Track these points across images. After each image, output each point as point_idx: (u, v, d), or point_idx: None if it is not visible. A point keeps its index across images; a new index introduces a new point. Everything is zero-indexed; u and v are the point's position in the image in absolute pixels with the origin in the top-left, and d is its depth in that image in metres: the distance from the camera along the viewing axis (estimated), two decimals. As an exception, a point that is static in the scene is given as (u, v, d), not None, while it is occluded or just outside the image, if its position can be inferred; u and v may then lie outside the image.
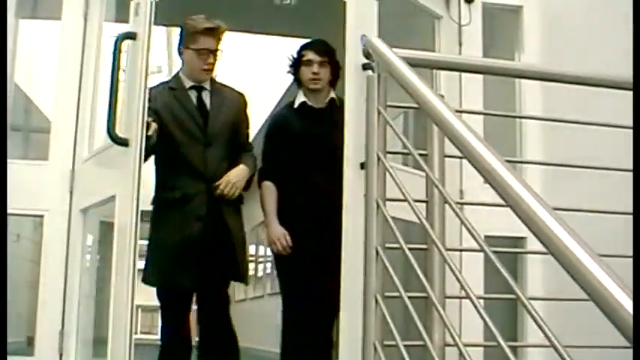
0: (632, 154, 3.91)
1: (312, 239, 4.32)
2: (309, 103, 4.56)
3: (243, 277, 4.33)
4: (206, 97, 4.26)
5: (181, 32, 4.25)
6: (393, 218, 3.00)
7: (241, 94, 4.42)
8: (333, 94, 4.58)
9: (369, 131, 3.04)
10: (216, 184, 4.07)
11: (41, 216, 4.65)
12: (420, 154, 2.94)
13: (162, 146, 3.96)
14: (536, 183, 4.98)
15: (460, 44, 5.40)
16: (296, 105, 4.60)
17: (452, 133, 2.37)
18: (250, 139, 4.61)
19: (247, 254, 4.46)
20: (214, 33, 4.13)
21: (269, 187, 4.48)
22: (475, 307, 2.17)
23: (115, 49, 4.27)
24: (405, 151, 2.96)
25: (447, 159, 3.12)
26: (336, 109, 4.36)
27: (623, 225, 3.62)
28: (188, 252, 4.03)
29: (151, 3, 3.75)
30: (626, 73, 4.25)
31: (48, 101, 5.38)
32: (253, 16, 6.63)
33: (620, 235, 3.73)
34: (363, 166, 3.77)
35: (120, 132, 3.74)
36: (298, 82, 4.64)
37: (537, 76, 3.89)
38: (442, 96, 2.84)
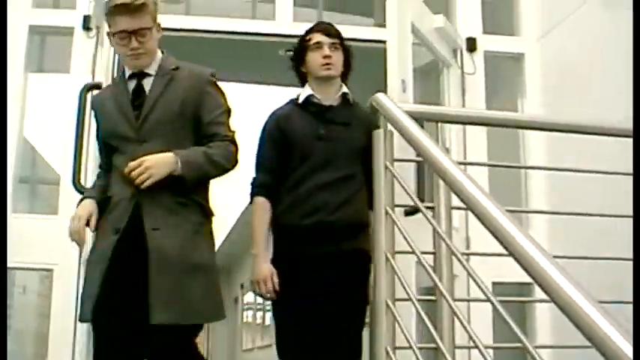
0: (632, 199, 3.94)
1: (318, 277, 3.35)
2: (317, 98, 3.67)
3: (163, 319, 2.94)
4: (147, 84, 3.30)
5: None
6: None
7: (204, 69, 3.39)
8: (345, 89, 3.72)
9: (376, 186, 3.08)
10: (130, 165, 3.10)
11: (50, 270, 4.69)
12: (427, 207, 2.99)
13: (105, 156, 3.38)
14: (540, 229, 5.04)
15: (464, 92, 5.49)
16: (301, 99, 3.70)
17: (456, 187, 2.42)
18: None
19: (196, 288, 3.05)
20: (130, 10, 3.20)
21: (261, 204, 3.54)
22: (484, 357, 2.20)
23: (80, 100, 4.39)
24: (412, 204, 3.00)
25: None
26: (349, 107, 3.67)
27: (624, 271, 3.65)
28: (96, 274, 3.06)
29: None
30: (627, 114, 4.32)
31: (56, 154, 5.45)
32: (261, 68, 6.71)
33: (624, 281, 3.75)
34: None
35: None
36: (302, 78, 3.79)
37: (540, 127, 3.94)
38: (447, 149, 2.88)
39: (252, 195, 3.58)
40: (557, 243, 4.54)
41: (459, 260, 2.48)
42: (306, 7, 5.88)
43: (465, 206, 2.38)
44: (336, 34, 3.73)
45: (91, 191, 3.38)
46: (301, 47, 3.75)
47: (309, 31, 3.76)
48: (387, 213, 3.02)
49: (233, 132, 3.29)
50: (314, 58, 3.68)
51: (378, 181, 3.07)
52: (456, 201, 2.66)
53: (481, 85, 5.63)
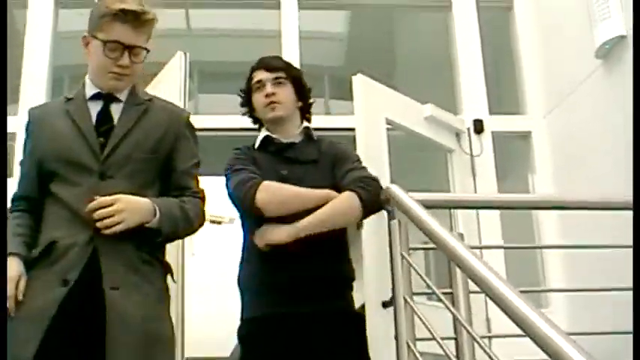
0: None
1: (296, 340, 3.02)
2: (274, 136, 3.34)
3: None
4: (116, 111, 2.80)
5: (90, 15, 2.85)
6: (423, 354, 3.05)
7: (180, 108, 3.08)
8: (306, 124, 3.42)
9: (394, 275, 3.12)
10: (92, 201, 2.58)
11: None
12: (445, 293, 3.02)
13: (41, 191, 2.74)
14: (560, 306, 5.03)
15: (474, 175, 5.54)
16: (257, 144, 3.37)
17: (472, 274, 2.45)
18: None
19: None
20: (138, 20, 2.74)
21: None
22: None
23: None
24: (430, 291, 3.03)
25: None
26: (313, 143, 3.36)
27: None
28: (29, 333, 2.48)
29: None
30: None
31: None
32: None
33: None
34: (385, 304, 3.85)
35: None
36: (257, 121, 3.47)
37: (552, 206, 3.98)
38: (461, 235, 2.93)
39: None
40: (577, 320, 4.54)
41: (480, 347, 2.50)
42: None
43: (481, 291, 2.41)
44: (280, 67, 3.39)
45: (14, 243, 2.67)
46: (247, 89, 3.44)
47: (252, 70, 3.43)
48: (406, 301, 3.05)
49: (202, 188, 2.91)
50: (257, 99, 3.36)
51: (395, 271, 3.11)
52: (473, 285, 2.69)
53: (490, 166, 5.67)
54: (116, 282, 2.53)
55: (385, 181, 4.12)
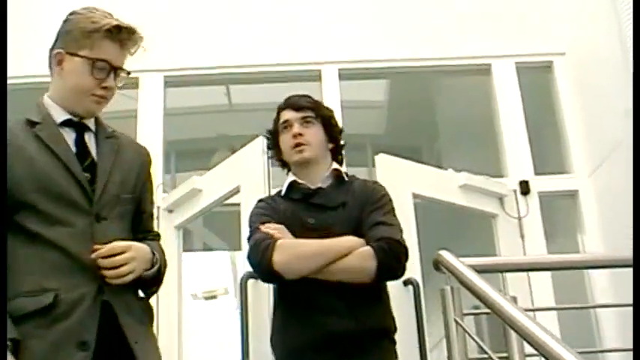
0: None
1: None
2: (300, 182, 3.14)
3: None
4: (90, 141, 2.53)
5: (62, 29, 2.57)
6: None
7: (144, 147, 2.75)
8: (335, 165, 3.20)
9: (449, 341, 3.10)
10: (98, 248, 2.34)
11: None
12: (501, 358, 2.99)
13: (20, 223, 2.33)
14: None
15: (522, 237, 5.50)
16: (283, 190, 3.18)
17: (528, 336, 2.43)
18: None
19: None
20: (129, 39, 2.54)
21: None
22: None
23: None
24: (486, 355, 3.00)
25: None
26: (343, 185, 3.14)
27: None
28: None
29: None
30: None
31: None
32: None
33: None
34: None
35: None
36: (284, 165, 3.27)
37: (602, 265, 3.94)
38: (514, 298, 2.91)
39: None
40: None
41: (541, 411, 2.47)
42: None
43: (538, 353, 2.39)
44: (308, 106, 3.17)
45: None
46: (274, 130, 3.24)
47: (279, 109, 3.24)
48: (462, 367, 3.03)
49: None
50: (284, 141, 3.15)
51: (450, 336, 3.09)
52: (528, 347, 2.67)
53: (538, 227, 5.64)
54: (134, 335, 2.36)
55: (413, 254, 4.09)
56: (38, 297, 2.24)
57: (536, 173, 5.86)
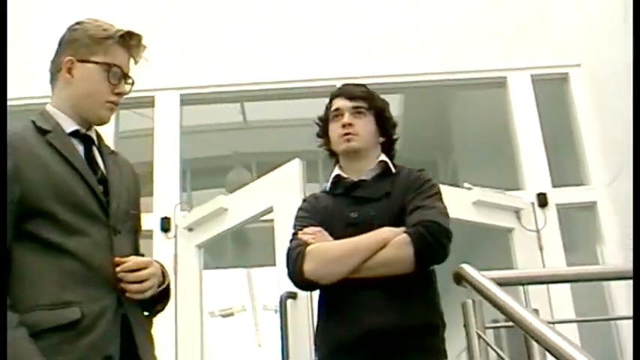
0: None
1: None
2: (344, 176, 3.05)
3: None
4: (96, 155, 2.48)
5: (68, 38, 2.54)
6: None
7: (133, 166, 2.68)
8: (383, 157, 3.08)
9: (472, 355, 3.07)
10: (122, 262, 2.31)
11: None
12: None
13: (34, 232, 2.22)
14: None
15: (541, 249, 5.49)
16: (328, 186, 3.11)
17: (554, 349, 2.41)
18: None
19: None
20: (139, 46, 2.55)
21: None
22: None
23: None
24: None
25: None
26: (389, 176, 3.03)
27: None
28: None
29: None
30: None
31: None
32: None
33: None
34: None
35: None
36: (333, 154, 3.17)
37: (622, 277, 3.91)
38: (536, 310, 2.89)
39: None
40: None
41: None
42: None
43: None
44: (362, 96, 3.06)
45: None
46: (325, 118, 3.14)
47: (331, 97, 3.14)
48: (485, 381, 3.00)
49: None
50: (333, 129, 3.06)
51: (473, 350, 3.06)
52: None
53: (557, 239, 5.62)
54: (144, 351, 2.34)
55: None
56: (60, 310, 2.15)
57: (554, 185, 5.85)
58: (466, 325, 3.07)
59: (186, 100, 6.17)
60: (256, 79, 6.20)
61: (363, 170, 3.03)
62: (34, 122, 2.40)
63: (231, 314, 9.94)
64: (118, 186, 2.44)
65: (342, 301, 2.82)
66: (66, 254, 2.21)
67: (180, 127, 6.07)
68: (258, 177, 7.34)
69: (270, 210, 4.98)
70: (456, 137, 7.58)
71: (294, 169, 4.90)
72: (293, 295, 4.10)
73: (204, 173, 7.77)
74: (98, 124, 2.52)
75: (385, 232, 2.81)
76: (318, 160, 7.88)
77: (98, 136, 2.54)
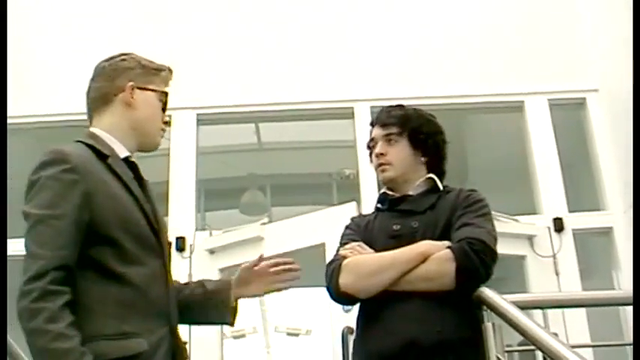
0: None
1: None
2: (389, 193, 3.02)
3: None
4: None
5: (122, 66, 2.56)
6: None
7: None
8: (432, 175, 3.02)
9: (491, 379, 3.05)
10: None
11: None
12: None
13: (95, 253, 2.22)
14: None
15: (557, 274, 5.46)
16: (376, 204, 3.09)
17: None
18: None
19: None
20: (170, 80, 2.63)
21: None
22: None
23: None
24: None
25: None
26: (435, 194, 2.97)
27: None
28: None
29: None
30: None
31: None
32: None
33: None
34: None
35: None
36: None
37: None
38: (556, 334, 2.86)
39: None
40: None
41: None
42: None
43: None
44: (394, 122, 2.99)
45: (81, 354, 2.05)
46: (368, 147, 3.11)
47: (371, 124, 3.11)
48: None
49: None
50: (372, 159, 3.04)
51: (492, 374, 3.04)
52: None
53: (573, 264, 5.60)
54: None
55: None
56: (125, 341, 2.17)
57: (570, 210, 5.83)
58: (486, 349, 3.05)
59: (202, 120, 6.18)
60: (273, 100, 6.22)
61: (406, 186, 2.98)
62: (90, 146, 2.38)
63: (243, 335, 9.90)
64: (160, 215, 2.46)
65: (380, 312, 2.77)
66: (127, 284, 2.22)
67: (197, 147, 6.08)
68: (272, 198, 7.37)
69: (322, 246, 4.92)
70: (471, 161, 7.56)
71: (351, 209, 4.91)
72: (352, 331, 4.09)
73: (218, 194, 7.77)
74: (151, 150, 2.56)
75: (424, 245, 2.77)
76: (332, 183, 7.91)
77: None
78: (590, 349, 4.97)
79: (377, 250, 2.83)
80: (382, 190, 3.05)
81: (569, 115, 6.30)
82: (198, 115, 6.15)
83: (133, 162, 2.47)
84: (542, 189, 5.92)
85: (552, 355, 2.54)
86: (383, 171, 2.98)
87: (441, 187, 3.00)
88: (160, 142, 2.57)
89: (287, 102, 6.18)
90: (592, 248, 6.23)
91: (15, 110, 5.29)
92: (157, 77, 2.55)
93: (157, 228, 2.37)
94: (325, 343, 8.12)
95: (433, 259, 2.72)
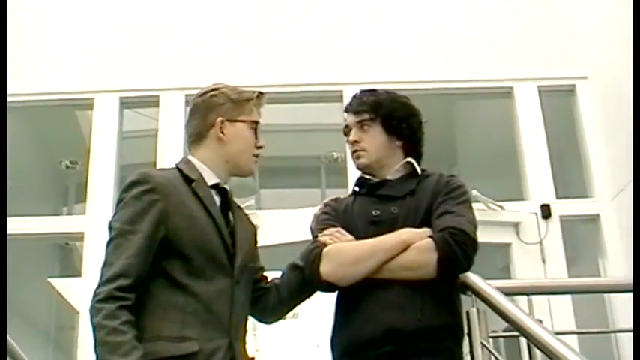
0: None
1: None
2: (367, 177, 2.99)
3: None
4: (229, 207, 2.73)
5: (212, 102, 2.77)
6: None
7: (251, 220, 2.90)
8: (410, 159, 2.98)
9: (475, 364, 3.05)
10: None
11: None
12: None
13: (167, 267, 2.47)
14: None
15: (543, 261, 5.47)
16: (353, 188, 3.06)
17: (557, 358, 2.40)
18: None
19: None
20: (262, 102, 2.82)
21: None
22: None
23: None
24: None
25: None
26: (414, 179, 2.94)
27: None
28: None
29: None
30: None
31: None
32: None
33: None
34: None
35: None
36: None
37: (624, 289, 3.89)
38: (540, 321, 2.85)
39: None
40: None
41: None
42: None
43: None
44: (365, 109, 2.97)
45: (132, 347, 2.30)
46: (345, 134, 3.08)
47: (345, 111, 3.08)
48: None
49: None
50: (348, 147, 3.02)
51: (476, 359, 3.03)
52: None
53: (560, 251, 5.61)
54: None
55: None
56: (180, 343, 2.39)
57: (558, 197, 5.84)
58: (470, 334, 3.04)
59: (191, 101, 6.14)
60: (261, 82, 6.16)
61: (384, 171, 2.96)
62: (181, 170, 2.65)
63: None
64: (242, 240, 2.66)
65: (360, 299, 2.76)
66: (191, 296, 2.45)
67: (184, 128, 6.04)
68: (260, 181, 7.34)
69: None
70: (460, 146, 7.56)
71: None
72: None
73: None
74: (246, 176, 2.82)
75: (406, 233, 2.75)
76: (321, 167, 7.90)
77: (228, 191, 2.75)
78: (575, 335, 4.98)
79: (357, 237, 2.81)
80: (360, 175, 3.02)
81: (559, 102, 6.30)
82: (186, 95, 6.09)
83: (223, 188, 2.69)
84: (530, 175, 5.92)
85: (536, 342, 2.54)
86: (358, 157, 2.96)
87: (419, 172, 2.97)
88: (254, 168, 2.78)
89: (275, 84, 6.12)
90: (578, 235, 6.23)
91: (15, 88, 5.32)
92: (247, 107, 2.75)
93: (232, 251, 2.58)
94: (312, 326, 8.14)
95: (414, 248, 2.71)
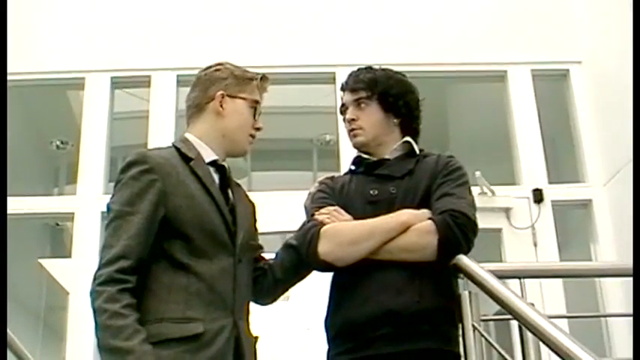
0: None
1: None
2: (365, 156, 2.96)
3: None
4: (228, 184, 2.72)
5: (215, 76, 2.77)
6: None
7: (249, 197, 2.86)
8: (408, 138, 2.96)
9: (466, 348, 3.03)
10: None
11: None
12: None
13: (168, 248, 2.45)
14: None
15: (535, 245, 5.47)
16: (350, 166, 3.03)
17: (551, 342, 2.39)
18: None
19: None
20: (267, 86, 2.83)
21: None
22: None
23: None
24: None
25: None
26: (412, 159, 2.92)
27: None
28: None
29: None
30: None
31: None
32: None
33: None
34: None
35: None
36: None
37: (617, 273, 3.89)
38: (532, 304, 2.84)
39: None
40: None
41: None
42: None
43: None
44: (362, 86, 2.94)
45: (134, 330, 2.26)
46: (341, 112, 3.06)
47: (341, 89, 3.05)
48: (479, 373, 2.96)
49: None
50: (344, 125, 3.00)
51: (468, 343, 3.02)
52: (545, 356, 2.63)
53: (551, 235, 5.61)
54: None
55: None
56: (185, 325, 2.37)
57: (550, 182, 5.83)
58: (462, 318, 3.03)
59: (182, 82, 6.10)
60: (253, 64, 6.08)
61: (382, 150, 2.93)
62: (178, 149, 2.62)
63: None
64: (243, 217, 2.64)
65: (358, 280, 2.73)
66: (194, 276, 2.43)
67: (177, 109, 6.01)
68: (252, 163, 7.31)
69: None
70: (453, 130, 7.54)
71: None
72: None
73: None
74: (239, 155, 2.79)
75: (405, 214, 2.72)
76: (313, 149, 7.87)
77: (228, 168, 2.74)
78: (566, 320, 4.99)
79: (354, 216, 2.79)
80: (357, 154, 2.99)
81: (552, 87, 6.29)
82: (178, 76, 6.06)
83: (221, 166, 2.67)
84: (523, 160, 5.91)
85: (528, 325, 2.53)
86: (355, 136, 2.93)
87: (417, 151, 2.95)
88: (248, 148, 2.76)
89: (267, 65, 6.06)
90: (570, 220, 6.23)
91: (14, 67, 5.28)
92: (249, 86, 2.74)
93: (233, 229, 2.56)
94: (303, 309, 8.16)
95: (415, 230, 2.69)
